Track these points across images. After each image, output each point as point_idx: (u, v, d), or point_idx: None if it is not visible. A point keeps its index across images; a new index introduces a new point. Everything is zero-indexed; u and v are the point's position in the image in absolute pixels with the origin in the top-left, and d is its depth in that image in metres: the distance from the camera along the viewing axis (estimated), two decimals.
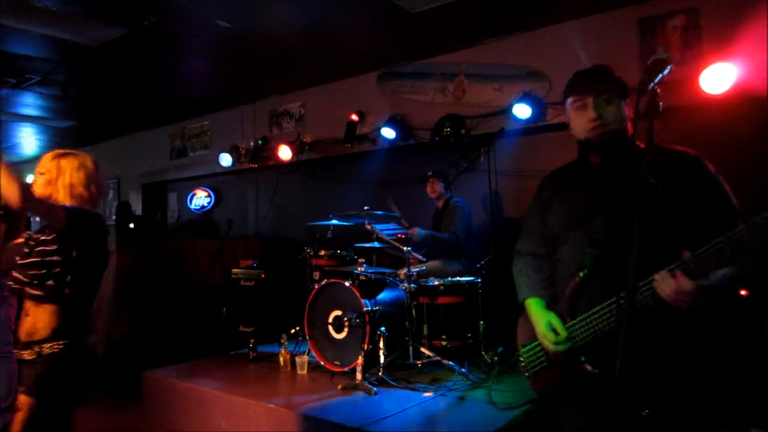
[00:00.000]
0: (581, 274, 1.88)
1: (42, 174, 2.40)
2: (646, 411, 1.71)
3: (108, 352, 5.72)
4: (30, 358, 2.23)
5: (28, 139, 9.83)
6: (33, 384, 2.20)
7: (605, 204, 1.88)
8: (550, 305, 2.04)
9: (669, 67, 1.45)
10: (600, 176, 1.97)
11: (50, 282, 2.26)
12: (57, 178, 2.39)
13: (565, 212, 2.04)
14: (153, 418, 4.33)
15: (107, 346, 5.78)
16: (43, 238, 2.31)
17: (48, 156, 2.44)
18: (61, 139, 9.73)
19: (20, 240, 2.41)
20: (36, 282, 2.27)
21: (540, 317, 2.00)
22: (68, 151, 2.48)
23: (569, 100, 2.01)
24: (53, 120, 8.26)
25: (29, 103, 7.30)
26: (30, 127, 8.77)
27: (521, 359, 2.15)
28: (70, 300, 2.30)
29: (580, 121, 1.95)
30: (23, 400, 2.20)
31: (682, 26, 4.37)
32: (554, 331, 1.93)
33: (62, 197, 2.37)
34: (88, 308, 2.42)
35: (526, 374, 2.14)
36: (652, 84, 1.44)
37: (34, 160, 11.78)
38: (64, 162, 2.40)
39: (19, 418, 2.19)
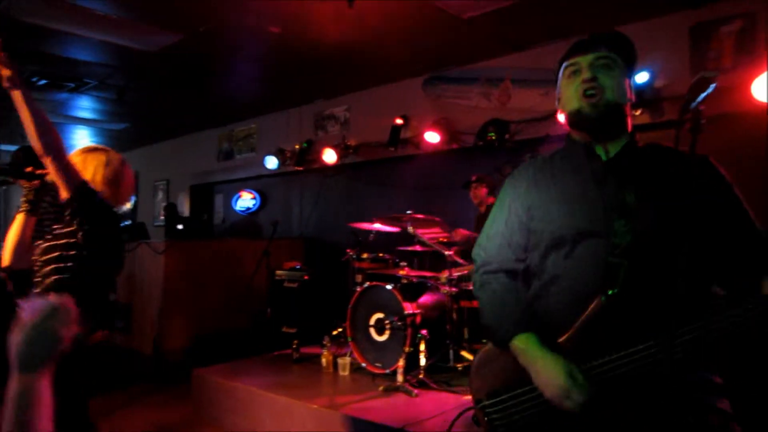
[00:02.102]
0: (610, 292, 1.43)
1: None
2: None
3: (156, 349, 5.90)
4: None
5: (82, 141, 10.23)
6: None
7: (623, 202, 1.51)
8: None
9: (713, 86, 1.40)
10: (607, 167, 1.59)
11: (50, 268, 2.16)
12: (81, 172, 2.26)
13: (568, 211, 1.58)
14: (202, 414, 4.46)
15: (155, 343, 5.96)
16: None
17: (77, 151, 2.37)
18: (115, 140, 10.09)
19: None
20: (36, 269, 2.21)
21: (550, 365, 1.47)
22: (97, 146, 2.41)
23: (561, 70, 1.67)
24: (108, 122, 8.58)
25: (85, 107, 7.61)
26: (85, 129, 9.13)
27: (487, 413, 1.60)
28: (72, 291, 2.13)
29: (571, 88, 1.60)
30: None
31: (737, 32, 4.26)
32: (578, 384, 1.43)
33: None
34: (96, 305, 2.25)
35: (498, 429, 1.59)
36: (694, 103, 1.38)
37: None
38: (90, 157, 2.35)
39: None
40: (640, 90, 4.52)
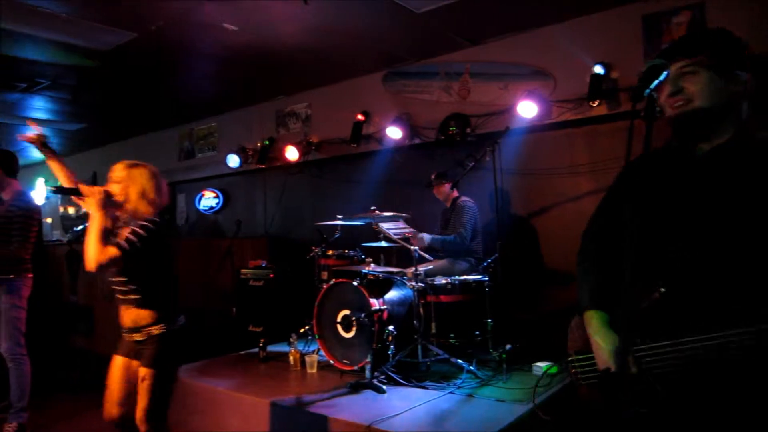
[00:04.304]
0: (662, 290, 1.57)
1: (116, 182, 2.72)
2: None
3: None
4: (141, 338, 2.73)
5: None
6: (150, 358, 2.69)
7: (700, 206, 1.60)
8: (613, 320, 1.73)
9: (665, 73, 1.45)
10: (702, 168, 1.64)
11: (140, 292, 2.71)
12: (129, 186, 2.71)
13: (651, 209, 1.67)
14: (167, 416, 4.38)
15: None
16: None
17: (121, 165, 2.77)
18: (71, 141, 9.82)
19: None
20: (126, 290, 2.72)
21: (600, 340, 1.70)
22: (137, 162, 2.80)
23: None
24: (63, 123, 8.34)
25: (39, 107, 7.38)
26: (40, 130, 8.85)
27: (574, 366, 1.88)
28: (154, 300, 2.74)
29: (663, 96, 1.66)
30: (141, 371, 2.70)
31: (687, 22, 4.37)
32: (614, 357, 1.62)
33: (135, 202, 2.71)
34: (174, 297, 2.85)
35: (581, 383, 1.86)
36: (647, 90, 1.43)
37: (45, 163, 11.91)
38: (135, 172, 2.74)
39: (142, 386, 2.68)
40: (597, 81, 4.61)
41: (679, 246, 1.60)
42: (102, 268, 2.54)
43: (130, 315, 2.74)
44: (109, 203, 2.67)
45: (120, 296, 2.76)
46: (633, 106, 1.42)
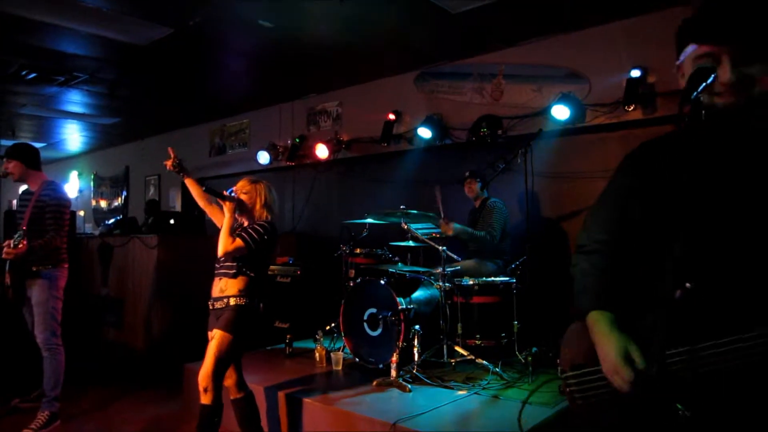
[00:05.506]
0: (687, 285, 1.33)
1: (244, 193, 3.36)
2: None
3: (148, 344, 5.88)
4: (220, 306, 3.21)
5: (73, 136, 10.14)
6: (226, 322, 3.14)
7: (733, 192, 1.39)
8: (620, 321, 1.51)
9: (713, 76, 1.38)
10: (730, 150, 1.44)
11: (241, 268, 3.24)
12: (256, 197, 3.37)
13: (673, 198, 1.45)
14: (193, 409, 4.42)
15: (147, 338, 5.94)
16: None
17: (245, 181, 3.43)
18: (106, 135, 10.01)
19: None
20: (231, 266, 3.26)
21: (610, 340, 1.46)
22: (256, 178, 3.48)
23: (689, 49, 1.52)
24: (98, 117, 8.51)
25: (76, 101, 7.54)
26: (76, 123, 9.05)
27: (569, 384, 1.64)
28: (248, 276, 3.25)
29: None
30: (215, 332, 3.16)
31: None
32: (631, 362, 1.40)
33: (259, 210, 3.37)
34: (262, 282, 3.35)
35: (577, 401, 1.63)
36: (695, 94, 1.34)
37: (79, 156, 12.15)
38: (258, 186, 3.41)
39: (211, 344, 3.15)
40: (634, 85, 4.54)
41: (715, 235, 1.38)
42: (229, 254, 3.17)
43: (220, 284, 3.26)
44: (239, 209, 3.34)
45: (222, 271, 3.28)
46: (680, 110, 1.34)
